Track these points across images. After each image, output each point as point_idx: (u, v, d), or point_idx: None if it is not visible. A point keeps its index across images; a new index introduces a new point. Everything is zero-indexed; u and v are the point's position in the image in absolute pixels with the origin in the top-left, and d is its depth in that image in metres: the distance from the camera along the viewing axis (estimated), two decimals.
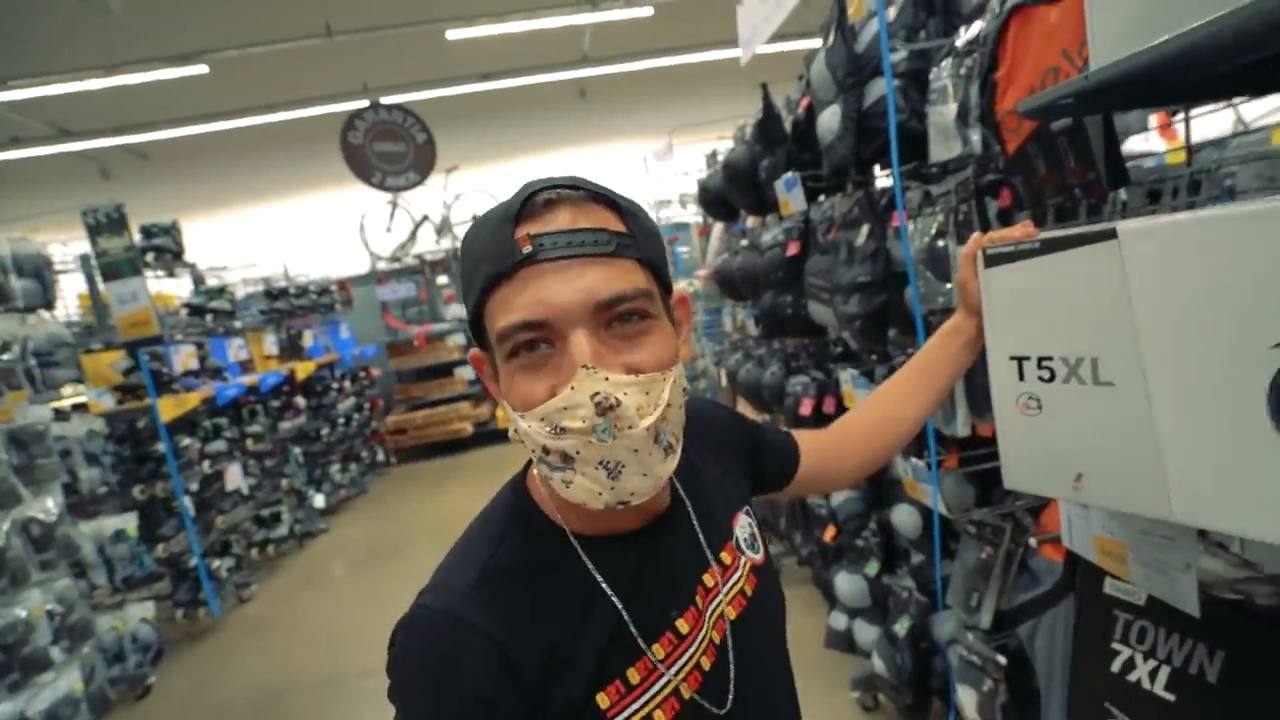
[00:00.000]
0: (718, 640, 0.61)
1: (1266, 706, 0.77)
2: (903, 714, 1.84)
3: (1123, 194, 1.43)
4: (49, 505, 2.76)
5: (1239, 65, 0.84)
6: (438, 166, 6.68)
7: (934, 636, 1.73)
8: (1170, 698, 0.88)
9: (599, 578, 0.57)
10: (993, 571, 1.45)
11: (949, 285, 1.36)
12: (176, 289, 4.92)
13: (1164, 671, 0.89)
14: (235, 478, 4.36)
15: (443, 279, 7.31)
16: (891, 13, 1.52)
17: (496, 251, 0.50)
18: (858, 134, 1.53)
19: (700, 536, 0.65)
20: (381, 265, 7.46)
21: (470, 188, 7.38)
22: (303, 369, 5.66)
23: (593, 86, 7.92)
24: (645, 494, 0.52)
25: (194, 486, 3.92)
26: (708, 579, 0.63)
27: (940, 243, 1.35)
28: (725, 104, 4.75)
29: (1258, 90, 0.95)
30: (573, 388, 0.48)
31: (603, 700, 0.53)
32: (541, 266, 0.49)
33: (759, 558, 0.71)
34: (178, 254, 4.36)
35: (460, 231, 7.45)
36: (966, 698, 1.52)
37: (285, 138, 7.56)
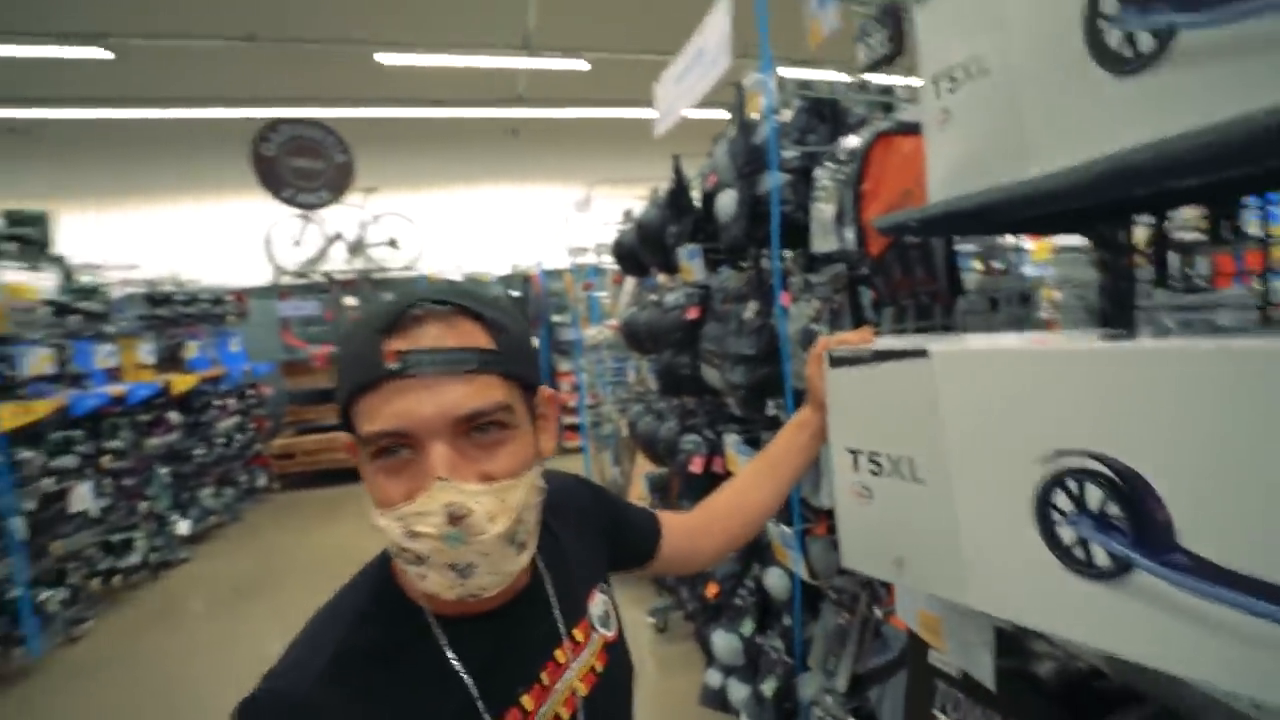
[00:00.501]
0: (565, 717, 0.64)
1: None
2: None
3: (972, 297, 1.63)
4: None
5: (1042, 212, 1.01)
6: (357, 185, 6.50)
7: (797, 697, 1.80)
8: None
9: (452, 658, 0.59)
10: (849, 636, 1.54)
11: None
12: (39, 282, 4.45)
13: None
14: (83, 498, 3.91)
15: (351, 300, 7.02)
16: (788, 115, 1.68)
17: (365, 362, 0.53)
18: (750, 218, 1.66)
19: (557, 613, 0.68)
20: (286, 279, 7.08)
21: (389, 210, 7.21)
22: (181, 382, 5.22)
23: (525, 127, 8.02)
24: (495, 588, 0.56)
25: (30, 505, 3.49)
26: (559, 655, 0.66)
27: (814, 326, 1.48)
28: (647, 162, 4.97)
29: (1055, 231, 1.13)
30: (427, 497, 0.52)
31: None
32: (406, 381, 0.53)
33: (611, 635, 0.74)
34: (44, 245, 3.97)
35: (375, 254, 7.24)
36: None
37: (193, 136, 7.10)
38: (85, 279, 4.61)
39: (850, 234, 1.50)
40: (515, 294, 7.12)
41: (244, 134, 6.04)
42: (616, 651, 0.74)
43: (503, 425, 0.56)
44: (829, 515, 1.69)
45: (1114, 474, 0.64)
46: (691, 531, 0.93)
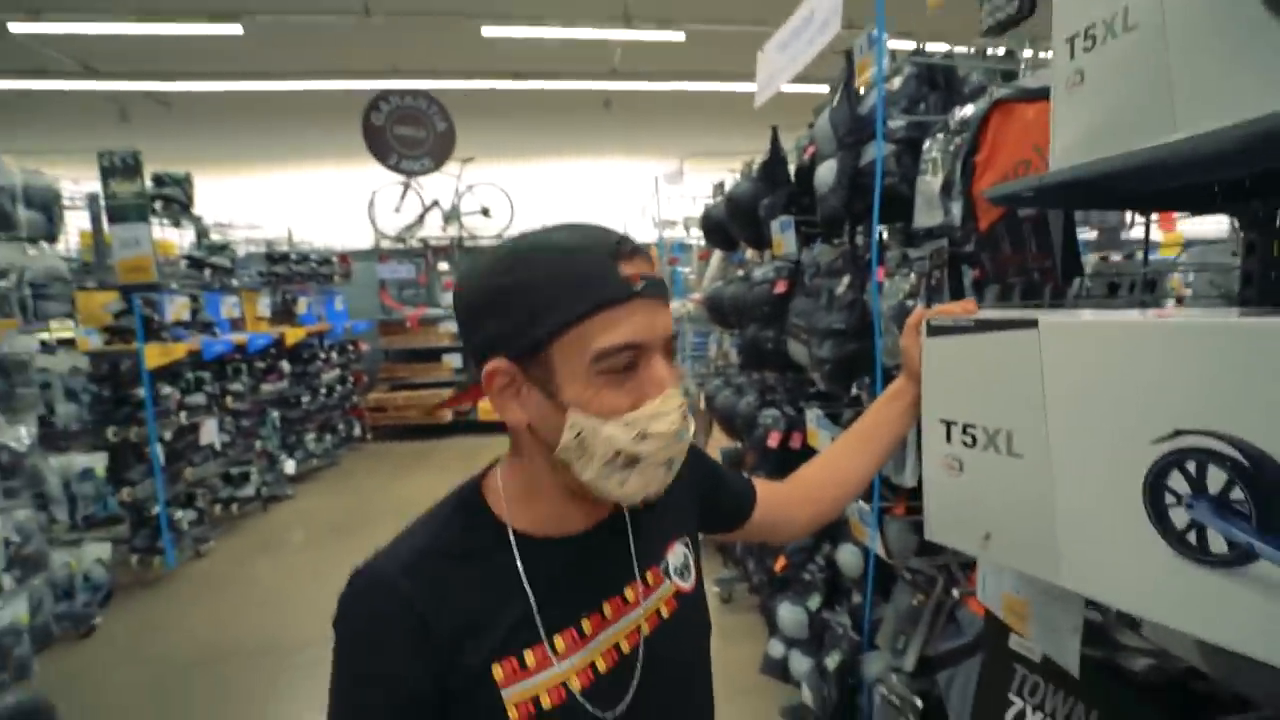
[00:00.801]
0: (626, 650, 0.67)
1: None
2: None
3: (1088, 282, 1.53)
4: (21, 434, 2.78)
5: (1184, 184, 0.94)
6: (454, 155, 6.77)
7: (861, 674, 1.80)
8: None
9: (521, 569, 0.64)
10: (921, 618, 1.52)
11: None
12: (179, 239, 4.95)
13: None
14: (210, 432, 4.37)
15: (444, 265, 7.37)
16: (896, 83, 1.62)
17: (607, 282, 0.59)
18: (851, 189, 1.62)
19: (633, 553, 0.72)
20: (385, 244, 7.52)
21: (484, 180, 7.46)
22: (292, 334, 5.69)
23: (618, 100, 8.05)
24: (668, 483, 0.65)
25: (167, 435, 3.94)
26: (628, 592, 0.70)
27: (910, 303, 1.44)
28: (738, 137, 4.87)
29: (1196, 209, 1.05)
30: (663, 400, 0.61)
31: (498, 672, 0.60)
32: (643, 302, 0.60)
33: (687, 586, 0.76)
34: (186, 206, 4.40)
35: (469, 221, 7.53)
36: None
37: (308, 107, 7.61)
38: (216, 237, 5.08)
39: (956, 208, 1.44)
40: None
41: (353, 105, 6.40)
42: (689, 602, 0.75)
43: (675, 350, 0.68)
44: (909, 495, 1.66)
45: (1242, 456, 0.60)
46: (785, 501, 0.93)
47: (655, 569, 0.74)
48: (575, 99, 7.90)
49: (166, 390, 3.97)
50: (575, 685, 0.63)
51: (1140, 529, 0.68)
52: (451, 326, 7.29)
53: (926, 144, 1.49)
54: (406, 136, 6.38)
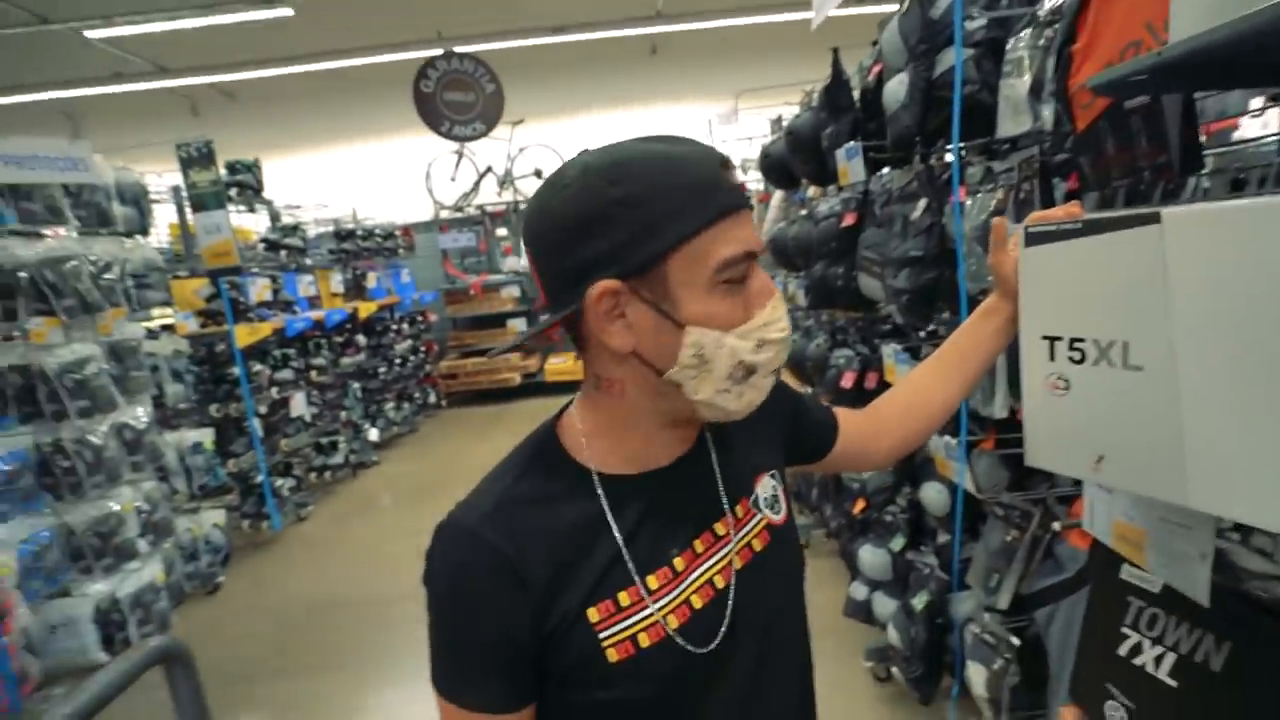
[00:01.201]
0: (720, 585, 0.65)
1: (1267, 697, 0.78)
2: (912, 685, 1.88)
3: (1205, 182, 1.37)
4: (139, 413, 3.05)
5: None
6: (504, 119, 6.74)
7: (950, 614, 1.75)
8: (1173, 683, 0.89)
9: (607, 510, 0.63)
10: (1016, 555, 1.45)
11: None
12: (255, 224, 5.20)
13: (1169, 658, 0.90)
14: (299, 405, 4.66)
15: (502, 231, 7.45)
16: None
17: (722, 191, 0.57)
18: (925, 104, 1.50)
19: (720, 485, 0.69)
20: (444, 214, 7.65)
21: (535, 142, 7.43)
22: (365, 309, 5.93)
23: (664, 44, 7.77)
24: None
25: (263, 410, 4.23)
26: (719, 527, 0.68)
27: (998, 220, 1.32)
28: (793, 69, 4.58)
29: None
30: (773, 307, 0.60)
31: (593, 615, 0.59)
32: (747, 213, 0.60)
33: (778, 519, 0.73)
34: (258, 190, 4.60)
35: (523, 185, 7.55)
36: (976, 674, 1.55)
37: (360, 83, 7.74)
38: (287, 219, 5.31)
39: (1047, 110, 1.31)
40: None
41: (403, 76, 6.44)
42: (781, 534, 0.73)
43: None
44: (999, 428, 1.57)
45: None
46: (867, 431, 0.89)
47: (745, 501, 0.71)
48: (619, 48, 7.68)
49: (258, 368, 4.23)
50: (672, 623, 0.62)
51: None
52: (514, 291, 7.40)
53: (1010, 43, 1.35)
54: (456, 102, 6.37)
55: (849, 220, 2.08)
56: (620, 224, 0.56)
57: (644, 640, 0.60)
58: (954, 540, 1.51)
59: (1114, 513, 0.97)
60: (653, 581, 0.62)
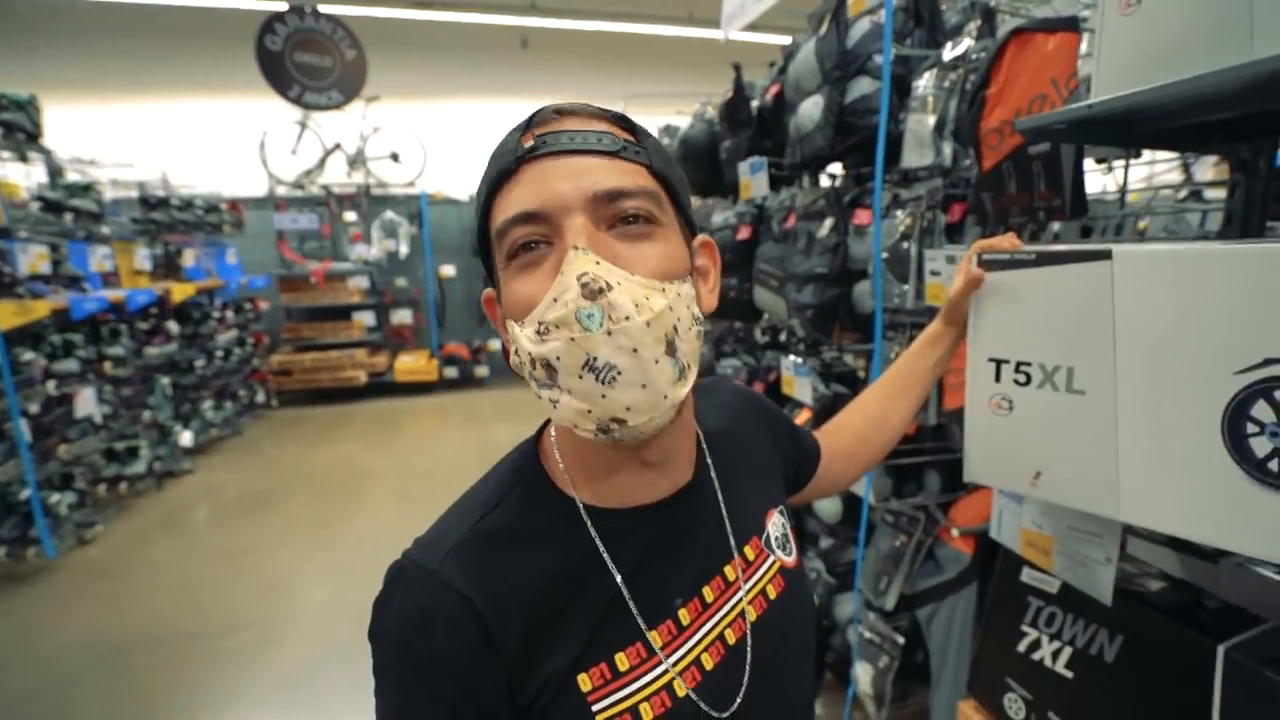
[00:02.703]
0: (732, 641, 0.56)
1: (1155, 682, 0.89)
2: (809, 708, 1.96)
3: (1055, 226, 1.57)
4: None
5: (1204, 121, 0.93)
6: (359, 94, 6.14)
7: (835, 616, 1.84)
8: (1069, 674, 0.99)
9: (602, 548, 0.53)
10: (903, 558, 1.56)
11: (906, 287, 1.43)
12: (26, 177, 4.20)
13: (1066, 652, 1.00)
14: (87, 403, 3.84)
15: (351, 215, 6.76)
16: (882, 15, 1.56)
17: (502, 156, 0.50)
18: (837, 127, 1.56)
19: (726, 521, 0.60)
20: (281, 190, 6.79)
21: (391, 122, 6.86)
22: (180, 291, 5.06)
23: (536, 39, 7.58)
24: (644, 412, 0.46)
25: (34, 408, 3.42)
26: (729, 571, 0.59)
27: (904, 245, 1.41)
28: (687, 81, 4.66)
29: (1197, 149, 1.06)
30: (562, 272, 0.44)
31: (584, 683, 0.49)
32: (543, 161, 0.48)
33: (791, 561, 0.66)
34: (33, 136, 3.73)
35: (376, 168, 6.93)
36: (864, 672, 1.64)
37: (187, 26, 6.60)
38: (75, 176, 4.36)
39: (947, 148, 1.42)
40: None
41: (243, 27, 5.59)
42: (795, 578, 0.65)
43: (650, 219, 0.50)
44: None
45: None
46: (836, 455, 0.85)
47: (756, 541, 0.63)
48: (489, 36, 7.36)
49: (28, 356, 3.41)
50: (681, 689, 0.52)
51: (1215, 459, 0.67)
52: (362, 282, 6.76)
53: (922, 81, 1.45)
54: (310, 65, 5.64)
55: (744, 234, 2.13)
56: (477, 217, 0.53)
57: (646, 713, 0.50)
58: (858, 546, 1.59)
59: (1022, 522, 1.06)
60: (656, 639, 0.53)
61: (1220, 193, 1.77)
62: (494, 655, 0.48)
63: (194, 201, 5.52)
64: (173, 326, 4.99)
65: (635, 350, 0.44)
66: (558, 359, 0.45)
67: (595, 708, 0.49)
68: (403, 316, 7.12)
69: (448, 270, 7.13)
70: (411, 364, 7.00)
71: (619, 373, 0.44)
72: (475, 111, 7.57)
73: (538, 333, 0.45)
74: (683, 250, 0.53)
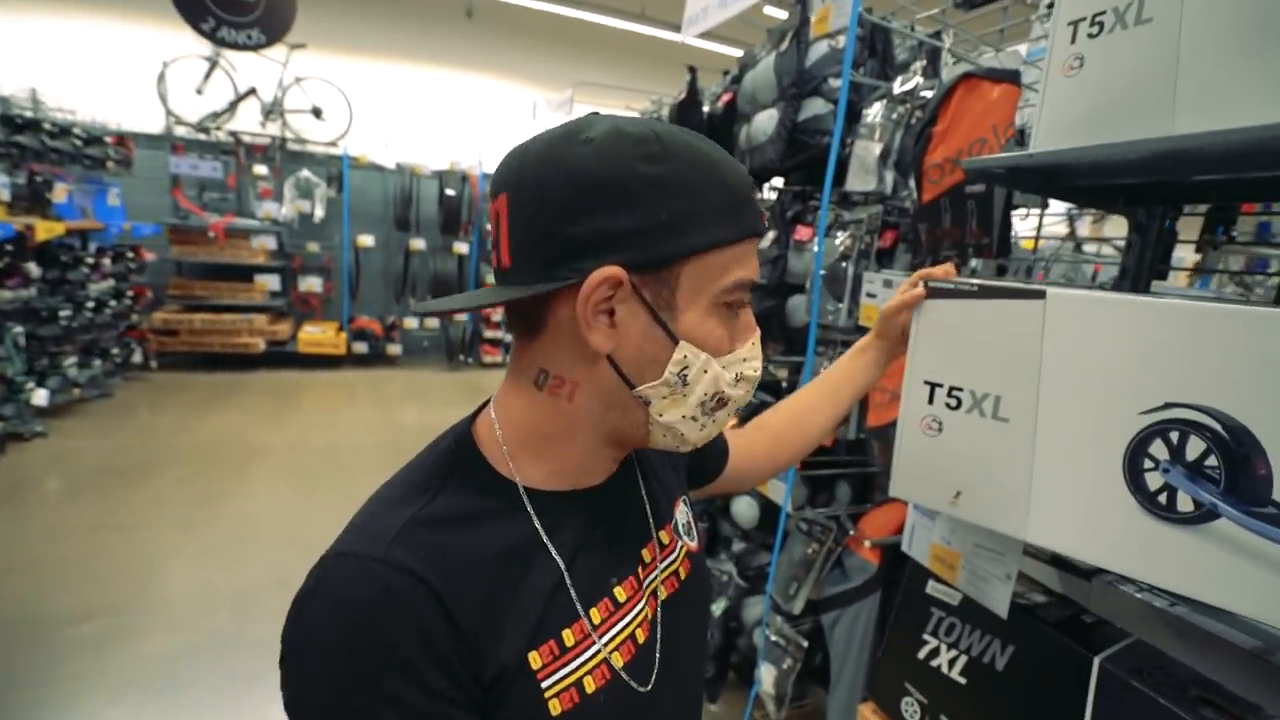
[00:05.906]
0: (650, 616, 0.61)
1: (1038, 689, 0.97)
2: (704, 686, 2.00)
3: (974, 263, 1.68)
4: None
5: (1114, 184, 1.03)
6: (286, 38, 5.68)
7: (743, 618, 1.89)
8: (962, 680, 1.06)
9: (542, 531, 0.54)
10: (814, 565, 1.62)
11: (840, 305, 1.49)
12: None
13: (961, 660, 1.07)
14: None
15: (261, 169, 6.23)
16: (840, 40, 1.61)
17: (753, 212, 0.54)
18: (788, 142, 1.60)
19: (647, 507, 0.65)
20: (181, 131, 6.16)
21: (317, 74, 6.39)
22: (46, 229, 4.47)
23: (483, 10, 7.31)
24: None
25: None
26: (646, 554, 0.63)
27: (843, 265, 1.47)
28: (629, 75, 4.64)
29: (1104, 207, 1.17)
30: (754, 343, 0.57)
31: (535, 660, 0.50)
32: (757, 242, 0.58)
33: (694, 545, 0.72)
34: None
35: (294, 121, 6.45)
36: (768, 673, 1.70)
37: None
38: None
39: (890, 176, 1.49)
40: (450, 193, 6.62)
41: None
42: (699, 563, 0.71)
43: None
44: (815, 452, 1.74)
45: (1224, 430, 0.67)
46: (752, 453, 0.90)
47: (668, 527, 0.68)
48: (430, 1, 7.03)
49: None
50: (617, 661, 0.55)
51: (1114, 490, 0.74)
52: (269, 243, 6.25)
53: (871, 109, 1.50)
54: None
55: None
56: (648, 207, 0.48)
57: (589, 685, 0.53)
58: (773, 551, 1.63)
59: (932, 537, 1.12)
60: (595, 615, 0.55)
61: (1098, 246, 1.96)
62: (460, 646, 0.46)
63: (72, 129, 4.90)
64: (33, 269, 4.41)
65: None
66: (736, 399, 0.57)
67: (545, 684, 0.50)
68: (311, 284, 6.66)
69: (366, 240, 6.73)
70: (318, 335, 6.56)
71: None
72: (411, 76, 7.20)
73: (735, 378, 0.56)
74: None
